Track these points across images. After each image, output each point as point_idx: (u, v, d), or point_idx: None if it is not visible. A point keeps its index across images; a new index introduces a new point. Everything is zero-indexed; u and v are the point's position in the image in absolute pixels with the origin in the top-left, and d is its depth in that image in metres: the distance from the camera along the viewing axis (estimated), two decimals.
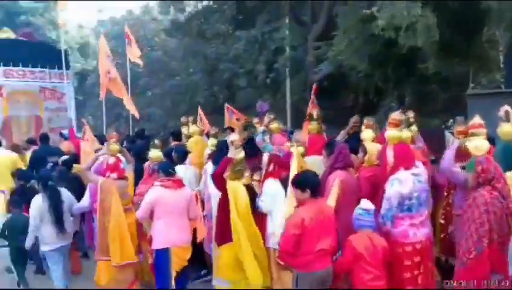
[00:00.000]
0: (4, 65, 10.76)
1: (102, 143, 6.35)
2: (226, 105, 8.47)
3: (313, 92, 6.94)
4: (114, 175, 5.06)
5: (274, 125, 6.31)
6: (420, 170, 4.06)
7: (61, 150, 7.30)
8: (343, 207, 4.00)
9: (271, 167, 4.77)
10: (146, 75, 16.31)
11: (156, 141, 5.92)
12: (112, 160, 5.24)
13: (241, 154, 4.71)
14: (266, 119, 6.47)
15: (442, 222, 4.64)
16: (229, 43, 13.34)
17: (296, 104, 11.70)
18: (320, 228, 3.57)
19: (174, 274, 4.48)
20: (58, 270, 5.09)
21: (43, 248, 5.05)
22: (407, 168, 4.02)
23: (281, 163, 4.84)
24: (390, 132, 4.27)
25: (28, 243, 5.12)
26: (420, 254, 3.88)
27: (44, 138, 8.09)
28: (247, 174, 4.53)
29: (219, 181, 4.17)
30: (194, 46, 14.76)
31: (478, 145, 3.81)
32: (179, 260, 4.58)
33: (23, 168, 6.99)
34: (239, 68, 12.87)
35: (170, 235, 4.50)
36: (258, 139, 5.89)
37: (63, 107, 11.55)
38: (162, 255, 4.55)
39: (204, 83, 14.89)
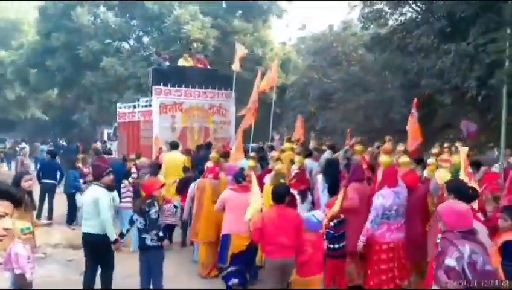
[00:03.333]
0: (185, 86, 13.45)
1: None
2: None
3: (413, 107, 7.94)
4: (211, 176, 7.13)
5: (358, 147, 7.13)
6: (400, 189, 5.29)
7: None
8: (356, 212, 5.50)
9: (293, 180, 6.60)
10: (342, 90, 16.37)
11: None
12: (209, 164, 7.40)
13: (279, 165, 6.71)
14: (353, 140, 7.64)
15: None
16: (433, 57, 12.46)
17: None
18: (279, 227, 4.80)
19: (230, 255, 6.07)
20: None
21: None
22: (389, 186, 5.24)
23: (301, 178, 6.67)
24: (383, 158, 5.60)
25: (185, 215, 7.51)
26: (393, 252, 5.25)
27: (208, 145, 10.55)
28: (282, 181, 6.08)
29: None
30: (394, 60, 14.25)
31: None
32: (237, 245, 6.07)
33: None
34: (443, 84, 11.89)
35: (232, 225, 6.05)
36: (340, 156, 7.47)
37: (226, 121, 14.05)
38: (226, 239, 6.18)
39: (401, 98, 14.22)
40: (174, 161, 9.17)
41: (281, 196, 4.97)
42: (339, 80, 16.75)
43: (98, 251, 5.45)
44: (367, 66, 16.17)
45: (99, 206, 5.33)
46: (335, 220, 5.37)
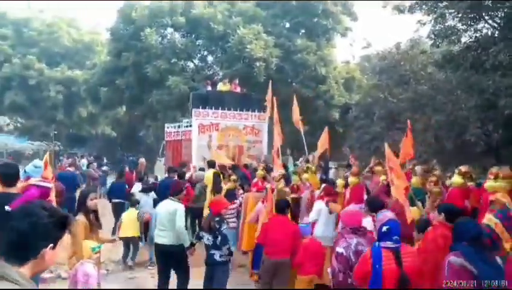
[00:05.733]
0: (222, 109, 14.72)
1: None
2: None
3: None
4: (254, 189, 8.01)
5: (378, 168, 7.55)
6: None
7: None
8: None
9: (321, 193, 7.17)
10: (409, 109, 15.66)
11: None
12: (255, 180, 8.53)
13: (281, 184, 7.48)
14: (372, 161, 8.06)
15: None
16: None
17: None
18: (277, 233, 5.60)
19: None
20: None
21: None
22: (356, 203, 6.01)
23: (329, 191, 7.13)
24: (350, 179, 7.00)
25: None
26: None
27: (235, 167, 11.27)
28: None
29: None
30: (468, 79, 13.43)
31: None
32: None
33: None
34: None
35: None
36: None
37: (258, 140, 15.27)
38: (259, 247, 6.58)
39: (476, 119, 13.33)
40: (211, 179, 9.79)
41: (282, 207, 5.83)
42: (406, 100, 16.08)
43: (173, 261, 5.83)
44: (437, 85, 15.37)
45: (176, 217, 5.70)
46: None
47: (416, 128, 14.97)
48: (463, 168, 6.90)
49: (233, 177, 9.34)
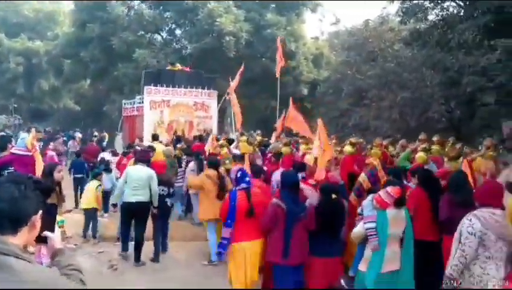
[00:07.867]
0: (172, 86, 15.47)
1: None
2: None
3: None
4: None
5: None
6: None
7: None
8: None
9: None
10: (376, 86, 15.91)
11: None
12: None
13: (224, 150, 8.80)
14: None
15: None
16: (477, 54, 11.95)
17: None
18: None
19: None
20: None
21: None
22: (285, 168, 6.66)
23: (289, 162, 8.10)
24: (283, 149, 8.45)
25: None
26: None
27: (178, 139, 12.12)
28: (227, 161, 7.76)
29: None
30: (433, 56, 13.75)
31: None
32: None
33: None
34: (486, 82, 11.40)
35: None
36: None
37: (208, 116, 16.05)
38: None
39: (439, 96, 13.72)
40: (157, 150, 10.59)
41: (257, 172, 6.38)
42: (373, 76, 16.30)
43: (141, 214, 6.91)
44: (404, 62, 15.66)
45: (152, 180, 6.84)
46: None
47: (382, 105, 15.30)
48: (353, 140, 8.57)
49: (179, 145, 10.79)
